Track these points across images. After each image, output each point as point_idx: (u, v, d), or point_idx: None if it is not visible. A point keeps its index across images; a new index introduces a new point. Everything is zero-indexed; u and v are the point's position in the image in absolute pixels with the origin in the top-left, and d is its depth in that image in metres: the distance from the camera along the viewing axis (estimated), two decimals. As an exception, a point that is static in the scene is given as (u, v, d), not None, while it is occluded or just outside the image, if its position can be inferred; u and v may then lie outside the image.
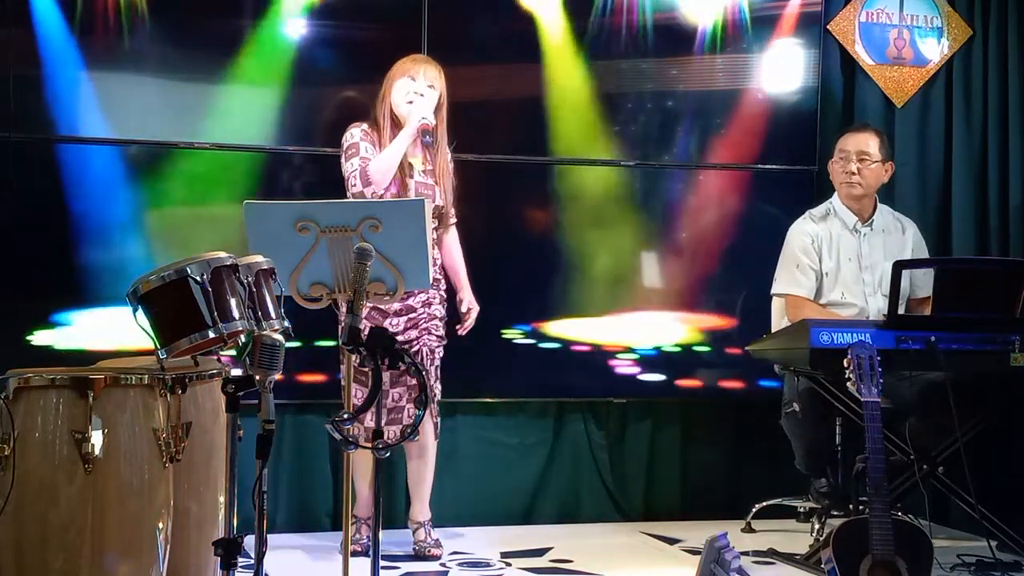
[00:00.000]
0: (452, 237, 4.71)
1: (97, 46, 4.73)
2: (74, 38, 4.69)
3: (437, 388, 4.62)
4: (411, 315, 4.52)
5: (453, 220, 4.71)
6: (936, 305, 4.41)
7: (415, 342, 4.53)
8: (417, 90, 4.51)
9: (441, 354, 4.62)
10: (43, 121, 4.69)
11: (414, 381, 4.30)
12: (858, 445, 3.84)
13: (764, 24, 5.42)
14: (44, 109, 4.69)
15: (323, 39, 4.98)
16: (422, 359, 4.52)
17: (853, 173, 4.83)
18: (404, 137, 4.45)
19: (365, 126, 4.57)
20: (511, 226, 5.19)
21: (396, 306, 4.45)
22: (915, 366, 4.28)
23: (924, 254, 5.00)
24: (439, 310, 4.59)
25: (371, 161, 4.48)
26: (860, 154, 4.83)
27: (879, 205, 4.96)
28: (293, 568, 4.42)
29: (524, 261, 5.17)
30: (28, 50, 4.64)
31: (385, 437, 4.21)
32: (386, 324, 4.46)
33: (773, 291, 4.92)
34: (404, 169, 4.52)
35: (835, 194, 4.95)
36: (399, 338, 4.48)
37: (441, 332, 4.61)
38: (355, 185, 4.48)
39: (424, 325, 4.54)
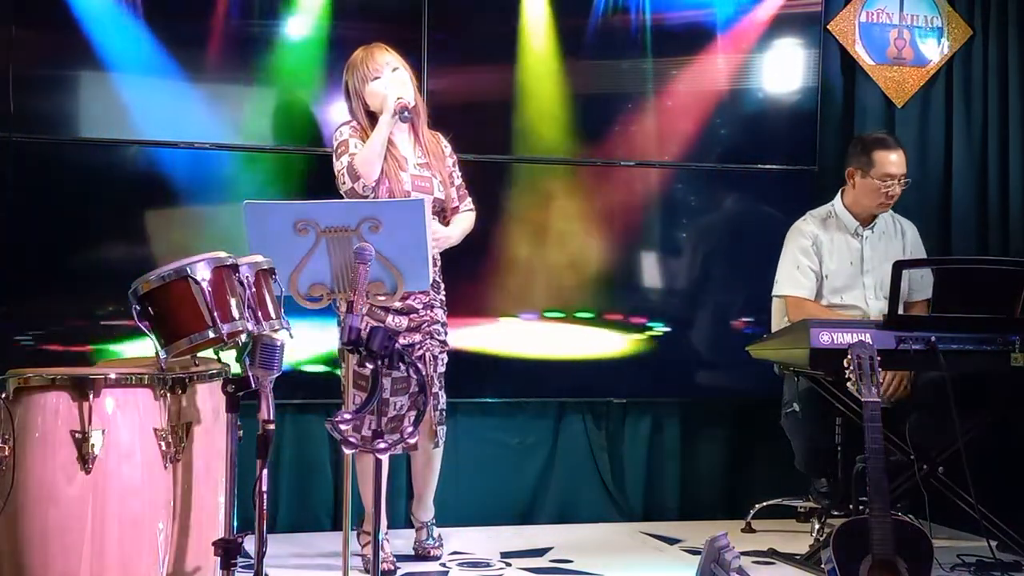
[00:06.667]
0: (458, 217, 4.54)
1: (98, 45, 4.72)
2: (75, 37, 4.69)
3: (442, 396, 4.55)
4: (412, 315, 4.46)
5: (466, 207, 4.57)
6: (936, 305, 4.41)
7: (418, 347, 4.47)
8: (385, 80, 4.41)
9: (445, 361, 4.54)
10: (43, 121, 4.69)
11: (416, 390, 4.28)
12: (858, 445, 3.84)
13: (764, 24, 5.42)
14: (44, 109, 4.69)
15: (323, 39, 4.97)
16: (426, 364, 4.47)
17: (895, 196, 4.82)
18: (384, 123, 4.34)
19: (354, 123, 4.48)
20: (510, 225, 5.18)
21: (397, 304, 4.41)
22: (915, 366, 4.27)
23: (920, 256, 5.00)
24: (440, 314, 4.52)
25: (356, 155, 4.39)
26: (903, 177, 4.81)
27: (880, 208, 4.96)
28: (293, 568, 4.42)
29: (524, 260, 5.17)
30: (28, 49, 4.64)
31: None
32: (388, 321, 4.43)
33: (774, 292, 4.91)
34: (398, 162, 4.44)
35: (837, 197, 4.94)
36: (401, 340, 4.41)
37: (444, 338, 4.53)
38: (345, 183, 4.37)
39: (427, 329, 4.47)
